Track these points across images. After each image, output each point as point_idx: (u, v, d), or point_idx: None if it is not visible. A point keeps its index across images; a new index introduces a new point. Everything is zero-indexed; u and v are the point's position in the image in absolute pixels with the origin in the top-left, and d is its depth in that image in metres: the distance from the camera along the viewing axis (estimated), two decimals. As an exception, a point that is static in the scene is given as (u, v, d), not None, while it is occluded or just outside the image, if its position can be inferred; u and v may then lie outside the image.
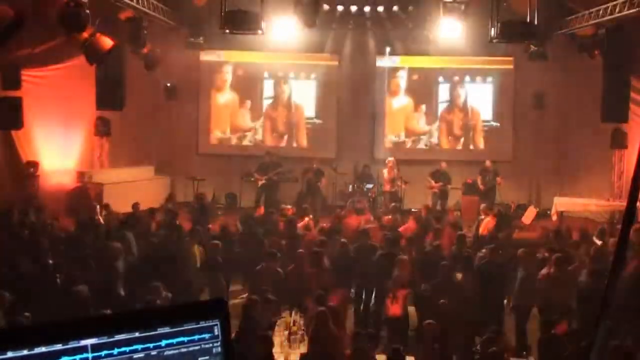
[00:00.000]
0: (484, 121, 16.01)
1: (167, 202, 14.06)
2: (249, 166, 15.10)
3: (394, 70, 16.03)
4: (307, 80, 16.07)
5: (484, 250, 9.34)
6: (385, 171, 14.42)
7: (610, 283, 1.43)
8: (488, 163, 14.52)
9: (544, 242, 10.47)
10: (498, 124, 15.95)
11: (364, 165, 15.11)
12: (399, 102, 16.17)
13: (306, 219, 11.18)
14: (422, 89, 16.05)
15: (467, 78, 15.90)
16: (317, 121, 16.14)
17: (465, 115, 15.97)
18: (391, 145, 16.00)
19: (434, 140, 16.05)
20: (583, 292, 7.97)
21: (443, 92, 16.03)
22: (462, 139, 16.00)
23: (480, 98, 16.02)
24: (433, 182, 14.46)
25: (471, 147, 16.02)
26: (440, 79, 15.96)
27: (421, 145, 16.08)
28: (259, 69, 16.05)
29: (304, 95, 16.16)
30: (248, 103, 16.15)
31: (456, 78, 15.89)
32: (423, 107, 16.03)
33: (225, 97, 16.21)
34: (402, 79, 16.04)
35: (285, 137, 16.16)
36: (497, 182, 14.20)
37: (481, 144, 16.00)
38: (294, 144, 16.14)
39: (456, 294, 7.91)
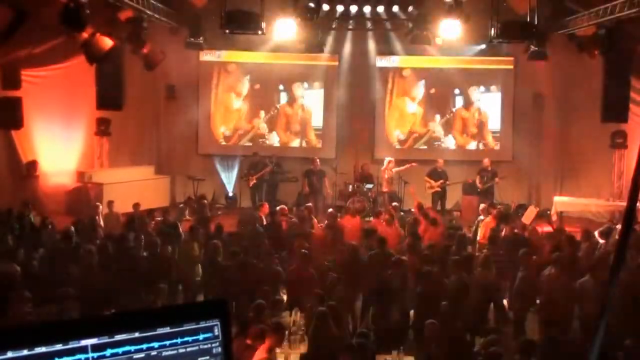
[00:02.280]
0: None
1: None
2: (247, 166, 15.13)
3: (395, 70, 16.02)
4: (313, 89, 16.10)
5: (484, 251, 9.33)
6: (385, 172, 14.42)
7: (610, 283, 1.43)
8: (486, 162, 14.42)
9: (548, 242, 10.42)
10: (498, 124, 15.93)
11: (363, 165, 15.10)
12: (399, 101, 16.16)
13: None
14: (421, 88, 16.06)
15: (471, 83, 15.88)
16: (319, 123, 16.15)
17: (480, 114, 15.99)
18: (391, 145, 16.00)
19: (445, 144, 16.02)
20: (584, 292, 7.96)
21: (445, 92, 16.01)
22: (476, 137, 16.04)
23: (481, 99, 16.00)
24: (432, 182, 14.41)
25: (481, 146, 16.00)
26: (442, 79, 15.93)
27: (424, 146, 16.06)
28: (260, 68, 16.03)
29: (306, 97, 16.17)
30: (246, 101, 16.17)
31: (457, 78, 15.87)
32: (422, 106, 16.05)
33: (225, 97, 16.20)
34: (402, 78, 16.04)
35: (297, 137, 16.23)
36: (496, 182, 14.15)
37: (491, 142, 15.98)
38: (304, 144, 16.16)
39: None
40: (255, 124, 16.12)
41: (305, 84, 16.08)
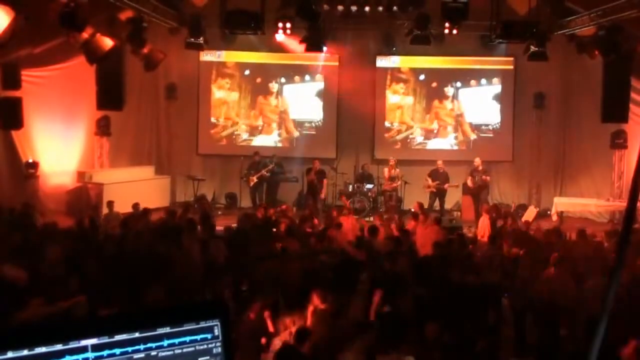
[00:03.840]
0: (484, 125, 16.00)
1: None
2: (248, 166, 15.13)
3: (394, 70, 16.02)
4: (312, 82, 16.09)
5: (484, 250, 9.33)
6: (385, 170, 14.43)
7: (610, 284, 1.43)
8: (477, 162, 14.26)
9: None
10: (498, 124, 15.92)
11: (363, 165, 15.10)
12: (399, 101, 16.16)
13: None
14: (422, 88, 16.05)
15: (472, 82, 15.85)
16: (317, 121, 16.14)
17: (456, 109, 15.94)
18: (391, 145, 15.98)
19: (445, 145, 16.02)
20: (585, 292, 7.95)
21: (443, 92, 15.99)
22: (456, 133, 16.01)
23: (482, 99, 15.98)
24: (430, 181, 14.38)
25: (461, 137, 15.95)
26: (441, 78, 15.92)
27: (419, 138, 16.04)
28: (259, 68, 16.03)
29: (306, 97, 16.15)
30: (246, 100, 16.17)
31: (457, 78, 15.87)
32: (422, 104, 16.05)
33: (224, 96, 16.20)
34: (402, 78, 16.04)
35: (276, 129, 16.23)
36: (484, 180, 14.04)
37: (471, 137, 15.95)
38: (285, 135, 16.14)
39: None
40: (252, 116, 16.14)
41: (307, 76, 16.06)
